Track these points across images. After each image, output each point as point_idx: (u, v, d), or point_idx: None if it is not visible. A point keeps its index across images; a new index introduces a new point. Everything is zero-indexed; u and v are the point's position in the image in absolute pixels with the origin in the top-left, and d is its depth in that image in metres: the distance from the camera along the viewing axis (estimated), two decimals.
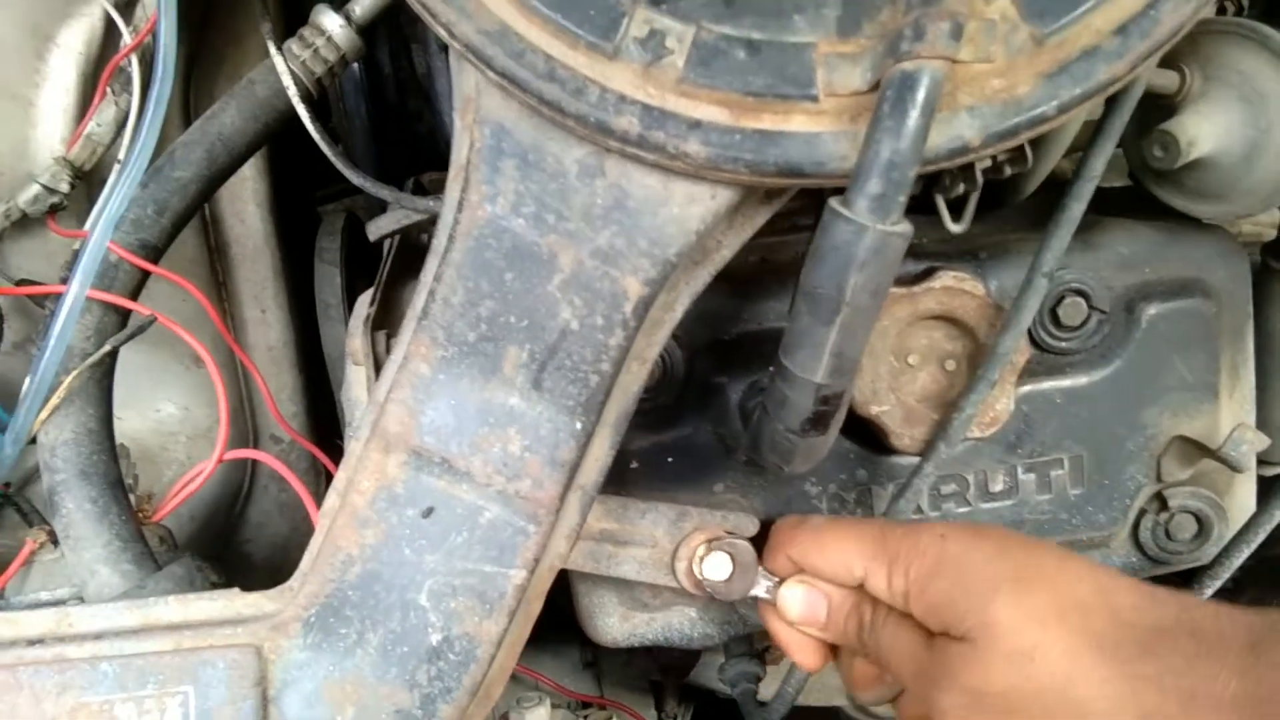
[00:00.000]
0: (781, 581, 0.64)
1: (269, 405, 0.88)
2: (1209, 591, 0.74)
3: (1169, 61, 0.69)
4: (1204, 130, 0.68)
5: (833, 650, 0.65)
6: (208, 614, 0.57)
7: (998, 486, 0.75)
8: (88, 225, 0.75)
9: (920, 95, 0.47)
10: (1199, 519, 0.76)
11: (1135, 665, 0.50)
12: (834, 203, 0.50)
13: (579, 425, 0.58)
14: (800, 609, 0.63)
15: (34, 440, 0.69)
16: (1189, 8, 0.51)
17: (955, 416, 0.68)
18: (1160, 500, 0.76)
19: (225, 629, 0.57)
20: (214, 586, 0.71)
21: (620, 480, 0.72)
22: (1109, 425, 0.74)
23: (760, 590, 0.66)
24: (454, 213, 0.57)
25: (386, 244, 0.86)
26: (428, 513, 0.58)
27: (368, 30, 0.76)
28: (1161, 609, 0.52)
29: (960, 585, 0.54)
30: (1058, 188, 0.70)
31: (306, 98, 0.76)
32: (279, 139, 0.78)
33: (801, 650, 0.65)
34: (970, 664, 0.53)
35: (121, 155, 0.80)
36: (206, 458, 0.73)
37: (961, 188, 0.59)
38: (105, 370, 0.73)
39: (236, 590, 0.58)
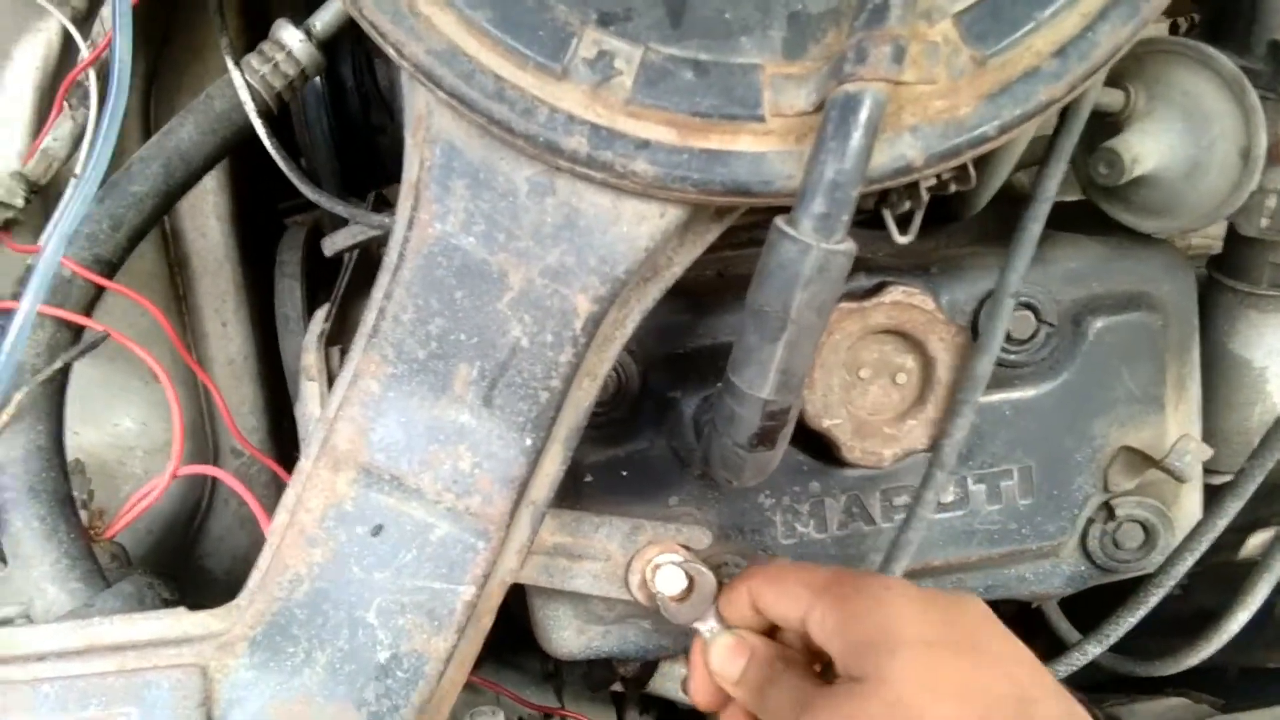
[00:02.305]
0: (725, 628, 0.63)
1: (226, 420, 0.88)
2: (1155, 599, 0.76)
3: (1114, 80, 0.71)
4: (1148, 148, 0.70)
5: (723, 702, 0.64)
6: (152, 633, 0.57)
7: (949, 497, 0.76)
8: (41, 240, 0.75)
9: (863, 116, 0.48)
10: (1145, 528, 0.77)
11: None
12: (779, 222, 0.51)
13: (529, 442, 0.58)
14: (722, 660, 0.62)
15: None
16: (1126, 30, 0.52)
17: (945, 443, 0.69)
18: (1108, 510, 0.77)
19: (170, 649, 0.57)
20: (165, 603, 0.71)
21: (575, 494, 0.72)
22: (1057, 436, 0.75)
23: (704, 628, 0.64)
24: (404, 230, 0.57)
25: (345, 258, 0.86)
26: (377, 530, 0.58)
27: (329, 45, 0.76)
28: None
29: (881, 631, 0.53)
30: (1009, 201, 0.71)
31: (265, 112, 0.76)
32: (242, 151, 0.78)
33: (700, 690, 0.64)
34: (849, 699, 0.52)
35: (78, 170, 0.80)
36: (163, 472, 0.72)
37: (908, 205, 0.60)
38: (57, 387, 0.72)
39: (182, 609, 0.58)
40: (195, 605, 0.62)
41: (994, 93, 0.52)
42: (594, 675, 0.99)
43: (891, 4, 0.49)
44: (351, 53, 1.00)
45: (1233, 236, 0.79)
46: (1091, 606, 0.84)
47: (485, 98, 0.52)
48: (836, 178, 0.49)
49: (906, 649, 0.51)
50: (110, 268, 0.74)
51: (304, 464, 0.58)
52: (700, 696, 0.64)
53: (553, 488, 0.61)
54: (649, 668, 0.97)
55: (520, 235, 0.56)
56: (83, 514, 0.76)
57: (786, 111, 0.52)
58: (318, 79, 0.98)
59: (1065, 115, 0.63)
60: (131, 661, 0.56)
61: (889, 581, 0.58)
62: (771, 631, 0.63)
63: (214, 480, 1.06)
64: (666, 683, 0.96)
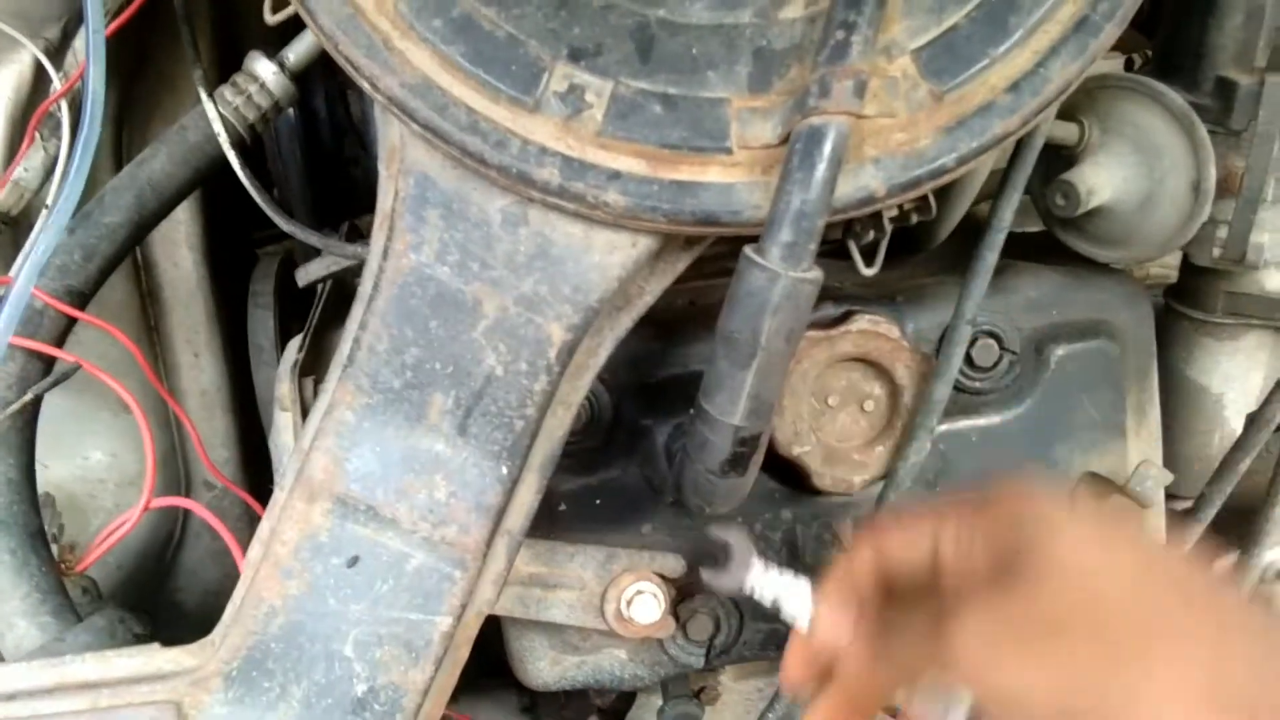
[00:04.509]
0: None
1: (199, 452, 0.87)
2: None
3: (1069, 115, 0.73)
4: (1102, 180, 0.72)
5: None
6: (126, 671, 0.56)
7: None
8: (12, 272, 0.74)
9: (827, 148, 0.50)
10: None
11: (1221, 613, 0.42)
12: (748, 251, 0.52)
13: (505, 470, 0.59)
14: (830, 622, 0.52)
15: None
16: (1076, 66, 0.54)
17: (899, 465, 0.70)
18: None
19: (144, 686, 0.56)
20: (137, 637, 0.70)
21: (549, 523, 0.73)
22: (1022, 462, 0.76)
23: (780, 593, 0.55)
24: (379, 261, 0.58)
25: (319, 288, 0.86)
26: (353, 561, 0.58)
27: (302, 76, 0.77)
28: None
29: (1035, 526, 0.46)
30: (974, 231, 0.73)
31: (238, 143, 0.76)
32: (214, 181, 0.78)
33: (796, 668, 0.55)
34: (1020, 587, 0.44)
35: (50, 201, 0.80)
36: (135, 505, 0.72)
37: (872, 235, 0.62)
38: (27, 419, 0.72)
39: (156, 645, 0.58)
40: (168, 639, 0.61)
41: (951, 126, 0.53)
42: (571, 707, 0.99)
43: (853, 40, 0.50)
44: (324, 84, 1.01)
45: (1187, 266, 0.81)
46: None
47: (459, 130, 0.53)
48: (802, 208, 0.50)
49: (1067, 528, 0.45)
50: (82, 298, 0.74)
51: (279, 495, 0.59)
52: (795, 673, 0.55)
53: (528, 517, 0.61)
54: (626, 699, 0.97)
55: (494, 265, 0.57)
56: (53, 548, 0.76)
57: (753, 144, 0.54)
58: (291, 110, 0.99)
59: (1019, 147, 0.65)
60: (105, 699, 0.56)
61: (1023, 483, 0.49)
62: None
63: (185, 513, 1.05)
64: (644, 714, 0.96)
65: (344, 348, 0.58)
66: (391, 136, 0.57)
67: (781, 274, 0.51)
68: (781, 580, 0.55)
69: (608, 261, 0.56)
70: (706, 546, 0.59)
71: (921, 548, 0.50)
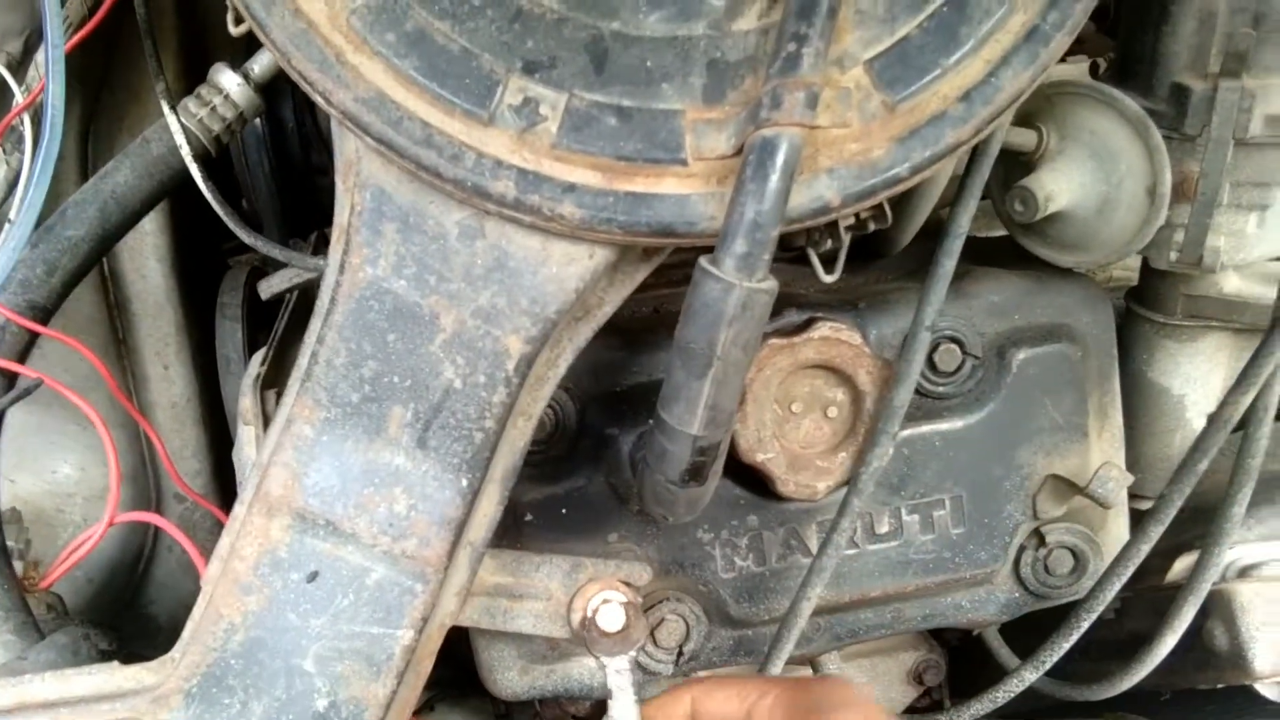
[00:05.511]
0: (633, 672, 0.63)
1: (167, 466, 0.87)
2: (1086, 623, 0.77)
3: (1027, 121, 0.74)
4: (1060, 186, 0.72)
5: None
6: (85, 689, 0.56)
7: (883, 528, 0.77)
8: None
9: (779, 159, 0.50)
10: (1074, 554, 0.79)
11: None
12: (703, 261, 0.52)
13: (465, 482, 0.59)
14: None
15: None
16: (1027, 75, 0.54)
17: (862, 472, 0.70)
18: (1039, 537, 0.79)
19: (103, 704, 0.56)
20: (102, 654, 0.70)
21: (515, 533, 0.73)
22: (986, 466, 0.77)
23: (613, 665, 0.64)
24: (336, 275, 0.58)
25: (285, 299, 0.86)
26: (312, 576, 0.58)
27: (268, 87, 0.77)
28: None
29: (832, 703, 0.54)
30: (935, 238, 0.74)
31: (202, 155, 0.76)
32: (183, 192, 0.78)
33: None
34: None
35: (12, 215, 0.80)
36: (101, 520, 0.71)
37: (830, 243, 0.62)
38: None
39: (116, 663, 0.57)
40: (139, 653, 0.61)
41: (904, 136, 0.54)
42: (545, 716, 0.99)
43: (804, 52, 0.51)
44: (292, 94, 1.01)
45: (1146, 269, 0.82)
46: (1035, 634, 0.85)
47: (413, 144, 0.54)
48: (756, 218, 0.50)
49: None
50: (45, 313, 0.74)
51: (238, 510, 0.58)
52: None
53: (490, 528, 0.61)
54: (600, 707, 0.97)
55: (451, 278, 0.57)
56: (18, 564, 0.75)
57: (708, 155, 0.54)
58: (258, 120, 0.99)
59: (975, 155, 0.66)
60: (64, 718, 0.55)
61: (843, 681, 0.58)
62: None
63: (157, 526, 1.04)
64: None
65: (301, 362, 0.58)
66: (347, 150, 0.57)
67: (736, 284, 0.51)
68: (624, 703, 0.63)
69: (565, 273, 0.56)
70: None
71: (736, 709, 0.57)
